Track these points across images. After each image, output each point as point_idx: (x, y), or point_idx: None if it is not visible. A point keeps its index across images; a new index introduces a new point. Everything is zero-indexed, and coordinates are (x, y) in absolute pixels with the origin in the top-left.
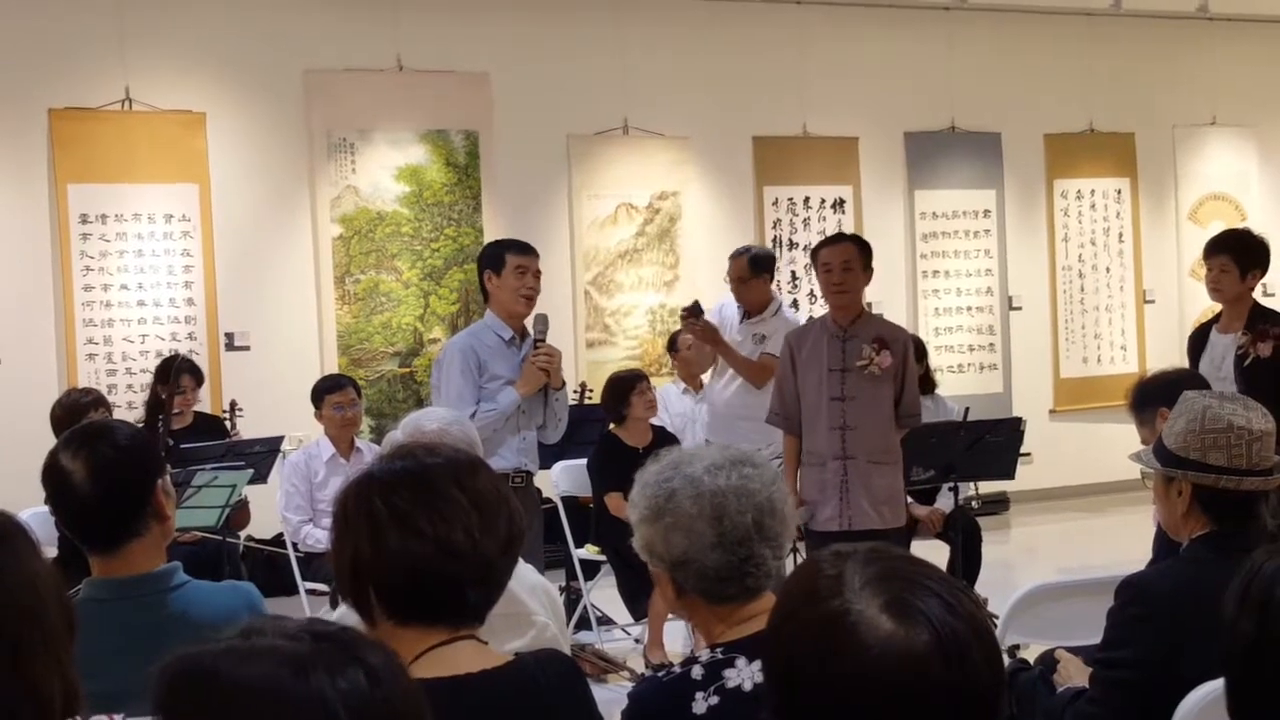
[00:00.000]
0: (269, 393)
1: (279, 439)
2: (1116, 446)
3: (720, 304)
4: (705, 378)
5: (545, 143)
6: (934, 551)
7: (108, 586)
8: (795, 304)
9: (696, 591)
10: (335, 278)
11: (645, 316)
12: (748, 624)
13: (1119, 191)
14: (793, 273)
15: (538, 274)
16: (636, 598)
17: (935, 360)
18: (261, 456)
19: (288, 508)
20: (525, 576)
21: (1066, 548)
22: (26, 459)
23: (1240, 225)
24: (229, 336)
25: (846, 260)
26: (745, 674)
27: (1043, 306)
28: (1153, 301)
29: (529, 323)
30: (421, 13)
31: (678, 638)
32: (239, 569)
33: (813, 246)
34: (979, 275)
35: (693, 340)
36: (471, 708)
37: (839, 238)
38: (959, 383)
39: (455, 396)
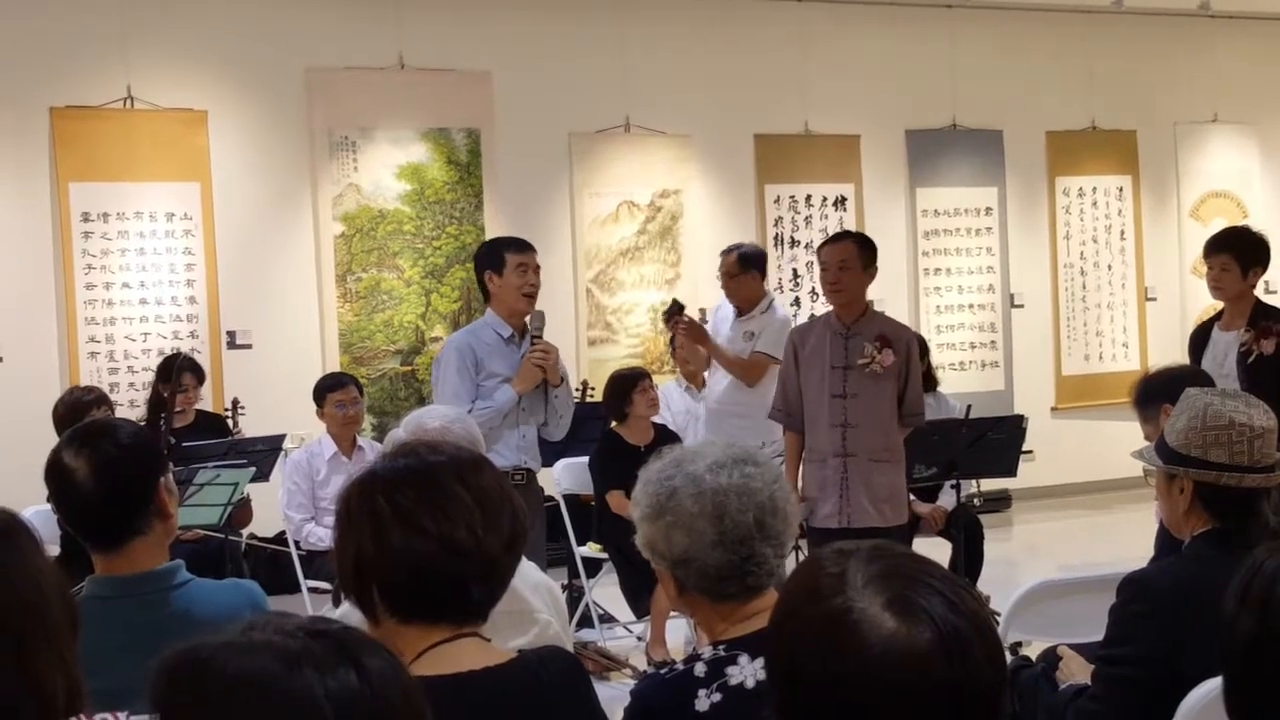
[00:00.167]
0: (271, 391)
1: (281, 437)
2: (1118, 444)
3: (719, 303)
4: (707, 375)
5: (547, 141)
6: (936, 549)
7: (111, 584)
8: (797, 302)
9: (698, 590)
10: (337, 276)
11: (647, 314)
12: (750, 621)
13: (1120, 189)
14: (794, 271)
15: (538, 270)
16: (638, 595)
17: (937, 358)
18: (263, 455)
19: (290, 506)
20: (528, 574)
21: (1068, 545)
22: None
23: (1241, 223)
24: (230, 335)
25: (843, 260)
26: (748, 671)
27: (1044, 304)
28: (1154, 299)
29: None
30: (423, 11)
31: (680, 635)
32: (241, 567)
33: (818, 244)
34: (981, 273)
35: (681, 340)
36: (475, 705)
37: (840, 236)
38: (961, 380)
39: (450, 395)
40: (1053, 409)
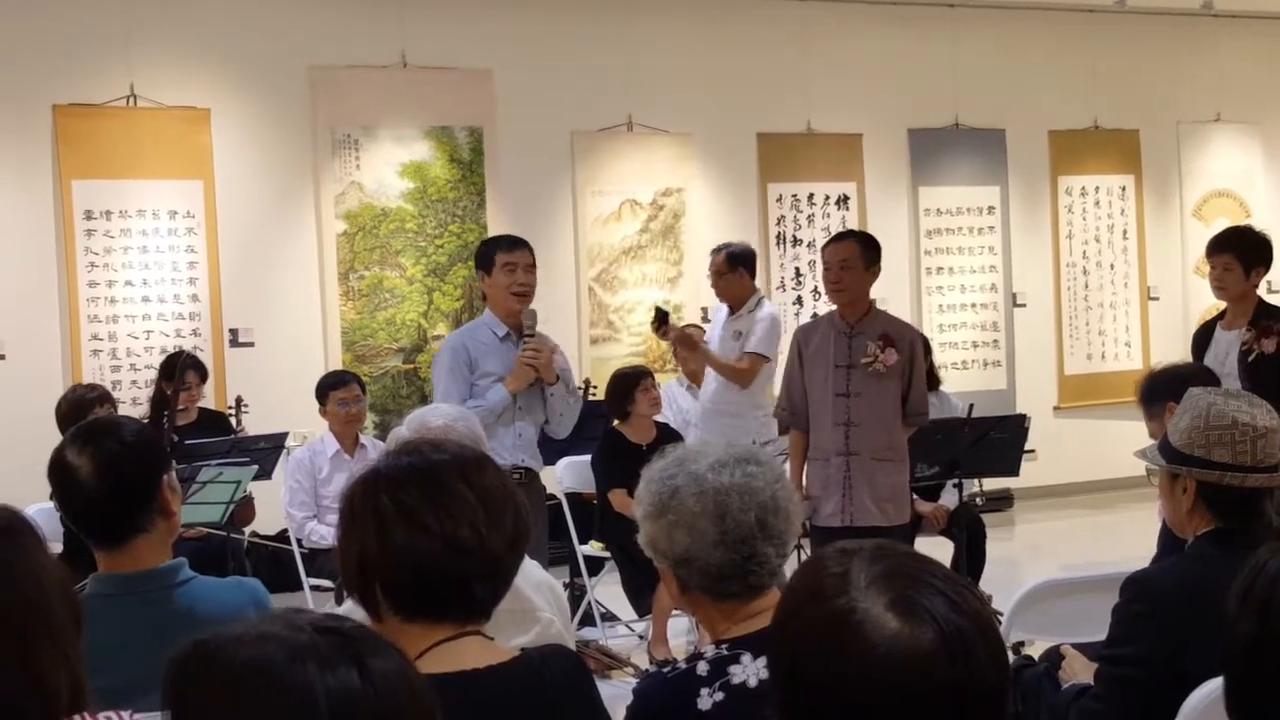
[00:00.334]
0: (273, 389)
1: (283, 435)
2: (1120, 443)
3: (719, 305)
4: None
5: (549, 139)
6: (938, 548)
7: (114, 582)
8: (799, 301)
9: (700, 589)
10: (339, 274)
11: (649, 313)
12: (753, 620)
13: (1123, 188)
14: (796, 269)
15: (529, 267)
16: (640, 594)
17: (939, 357)
18: (266, 453)
19: (292, 504)
20: (530, 573)
21: (1071, 544)
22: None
23: (1244, 222)
24: (233, 333)
25: (845, 259)
26: (750, 670)
27: (1047, 303)
28: (1157, 298)
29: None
30: (426, 9)
31: (681, 634)
32: (243, 565)
33: (820, 243)
34: (983, 272)
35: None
36: (478, 703)
37: (842, 236)
38: (963, 379)
39: (441, 394)
40: (1055, 408)
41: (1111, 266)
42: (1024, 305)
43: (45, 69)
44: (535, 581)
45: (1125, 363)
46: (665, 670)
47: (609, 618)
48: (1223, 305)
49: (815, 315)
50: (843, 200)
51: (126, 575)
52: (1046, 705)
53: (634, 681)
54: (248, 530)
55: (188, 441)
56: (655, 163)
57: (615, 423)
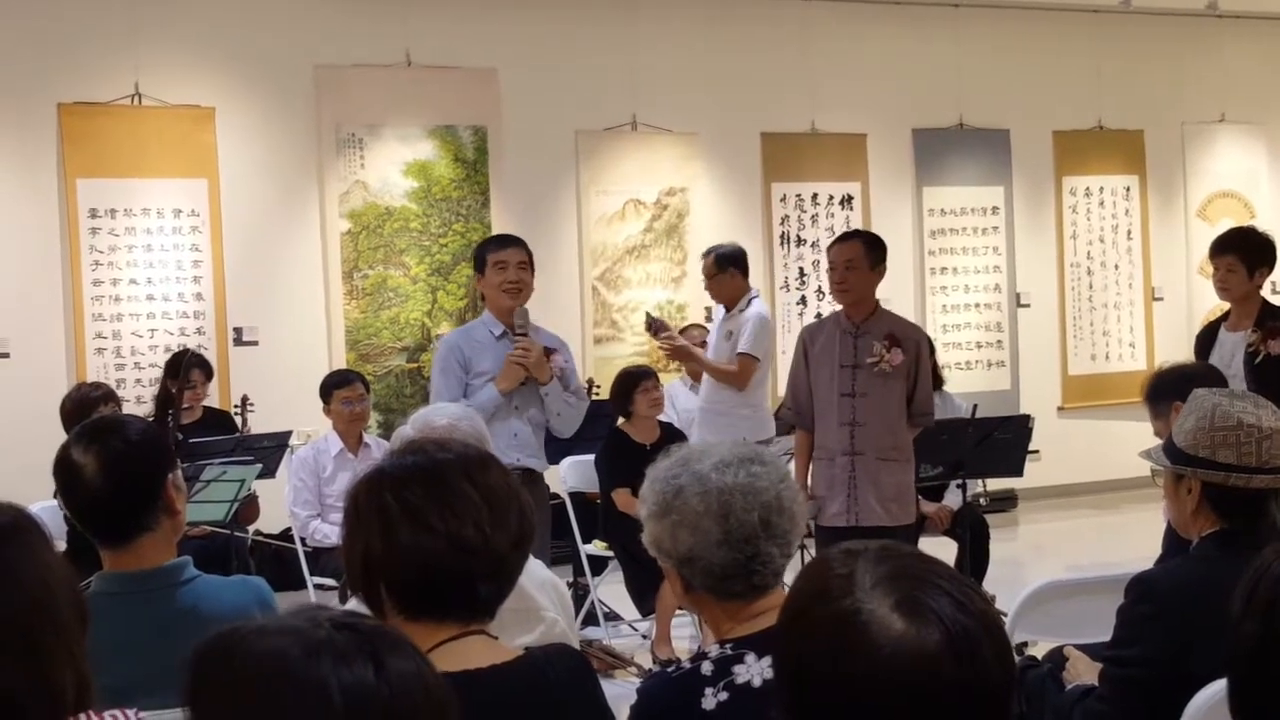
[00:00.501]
0: (277, 388)
1: (287, 434)
2: (1125, 443)
3: (720, 306)
4: None
5: (553, 139)
6: (941, 548)
7: (118, 580)
8: (803, 301)
9: (704, 588)
10: (343, 273)
11: (653, 312)
12: (757, 620)
13: (1128, 189)
14: (800, 269)
15: (521, 265)
16: (644, 593)
17: (943, 357)
18: (269, 451)
19: (296, 503)
20: (535, 572)
21: (1075, 545)
22: (36, 453)
23: (1249, 223)
24: (237, 331)
25: (850, 259)
26: (755, 670)
27: (1051, 303)
28: (1161, 299)
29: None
30: (430, 9)
31: (685, 634)
32: (247, 564)
33: (824, 242)
34: (987, 272)
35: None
36: (482, 703)
37: (848, 236)
38: (967, 379)
39: (434, 394)
40: (1059, 408)
41: (1116, 267)
42: (1028, 305)
43: (50, 68)
44: (539, 580)
45: (1129, 363)
46: (670, 670)
47: (612, 617)
48: (1227, 306)
49: (819, 315)
50: (847, 200)
51: (131, 574)
52: (1050, 706)
53: (637, 681)
54: (251, 529)
55: (192, 440)
56: (659, 162)
57: (620, 422)
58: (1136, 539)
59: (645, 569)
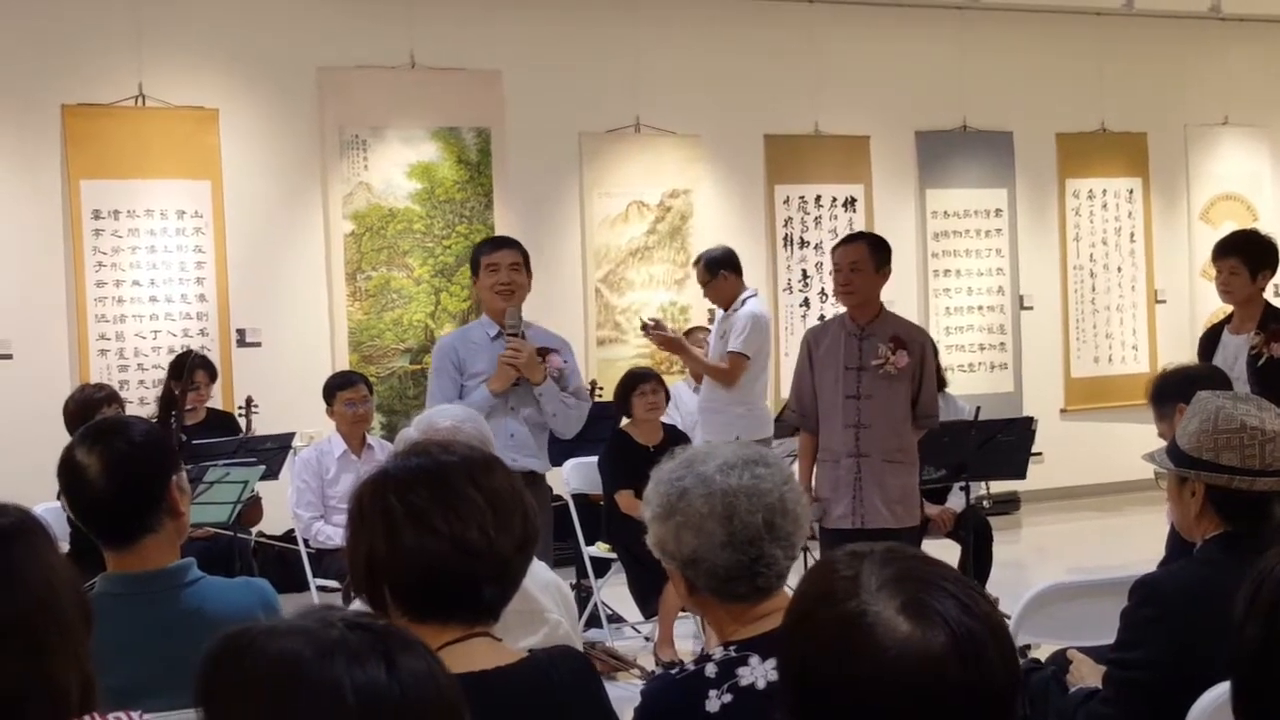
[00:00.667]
0: (280, 389)
1: (290, 435)
2: (1128, 446)
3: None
4: None
5: (557, 140)
6: (945, 551)
7: (122, 581)
8: (806, 303)
9: (707, 590)
10: (347, 274)
11: (656, 314)
12: (761, 622)
13: (1131, 191)
14: (803, 271)
15: (513, 266)
16: (647, 595)
17: (946, 359)
18: (273, 453)
19: (299, 504)
20: (538, 574)
21: (1078, 547)
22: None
23: (1252, 226)
24: (240, 333)
25: (854, 261)
26: (759, 672)
27: (1054, 306)
28: (1164, 301)
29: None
30: (434, 10)
31: (688, 636)
32: (250, 565)
33: (827, 244)
34: (990, 274)
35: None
36: (486, 705)
37: (852, 238)
38: (970, 382)
39: (429, 396)
40: (1062, 411)
41: (1119, 269)
42: (1031, 308)
43: (54, 69)
44: (543, 582)
45: (1132, 366)
46: (673, 671)
47: (615, 619)
48: (1230, 309)
49: (822, 317)
50: (850, 202)
51: (135, 575)
52: (1054, 709)
53: (640, 683)
54: (255, 530)
55: (195, 441)
56: (662, 164)
57: (623, 424)
58: (1140, 542)
59: (648, 571)
